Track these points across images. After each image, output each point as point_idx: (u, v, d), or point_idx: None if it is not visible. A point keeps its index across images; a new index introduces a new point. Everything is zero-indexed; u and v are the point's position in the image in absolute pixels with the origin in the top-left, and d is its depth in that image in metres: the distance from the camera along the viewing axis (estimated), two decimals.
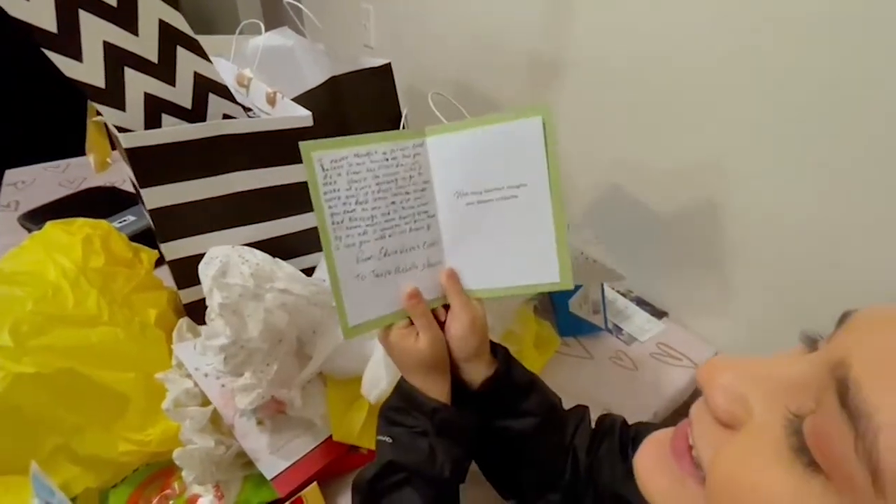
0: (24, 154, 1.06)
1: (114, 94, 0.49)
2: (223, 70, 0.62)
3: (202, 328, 0.48)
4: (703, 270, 0.71)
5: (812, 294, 0.59)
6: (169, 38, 0.50)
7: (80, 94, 0.48)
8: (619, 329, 0.74)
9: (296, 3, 0.76)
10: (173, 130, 0.49)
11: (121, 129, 0.49)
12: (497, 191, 0.40)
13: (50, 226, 0.55)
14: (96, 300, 0.48)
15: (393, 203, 0.40)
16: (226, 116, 0.58)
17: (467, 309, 0.40)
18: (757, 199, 0.61)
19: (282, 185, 0.58)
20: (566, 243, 0.39)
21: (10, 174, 1.02)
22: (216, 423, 0.48)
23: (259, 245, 0.54)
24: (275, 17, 1.37)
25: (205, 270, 0.48)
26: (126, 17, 0.46)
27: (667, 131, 0.68)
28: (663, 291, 0.78)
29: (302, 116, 0.56)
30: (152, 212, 0.51)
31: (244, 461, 0.48)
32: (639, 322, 0.75)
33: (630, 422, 0.43)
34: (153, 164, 0.49)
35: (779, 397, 0.18)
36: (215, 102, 0.56)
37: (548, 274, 0.40)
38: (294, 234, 0.62)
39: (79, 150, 0.91)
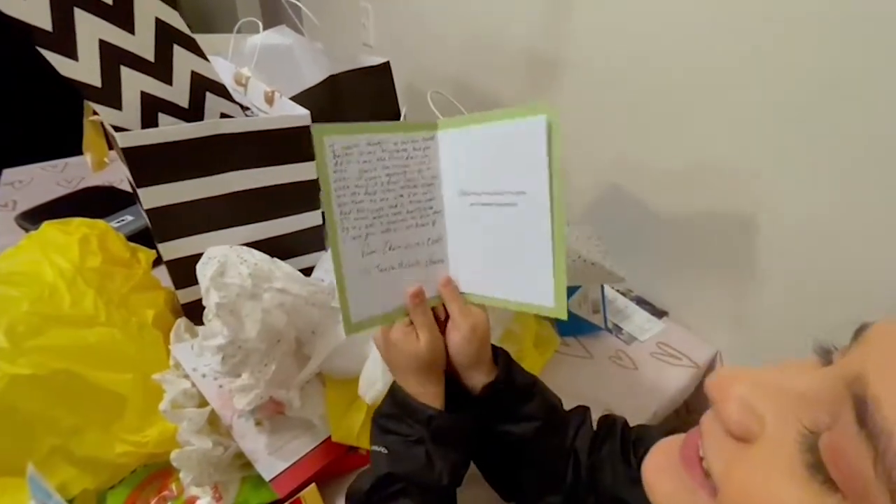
0: (21, 153, 1.05)
1: (110, 93, 0.48)
2: (221, 69, 0.62)
3: (200, 328, 0.48)
4: (704, 270, 0.70)
5: (812, 294, 0.59)
6: (165, 36, 0.49)
7: (77, 93, 0.47)
8: (618, 328, 0.74)
9: (294, 1, 0.75)
10: (170, 130, 0.48)
11: (117, 129, 0.49)
12: (498, 195, 0.38)
13: (46, 225, 0.54)
14: (93, 300, 0.48)
15: (401, 196, 0.39)
16: (223, 115, 0.58)
17: (467, 316, 0.39)
18: (757, 198, 0.61)
19: (280, 185, 0.58)
20: (564, 267, 0.36)
21: (8, 173, 1.01)
22: (214, 423, 0.48)
23: (257, 245, 0.54)
24: (273, 15, 1.36)
25: (203, 270, 0.47)
26: (122, 16, 0.46)
27: (667, 131, 0.68)
28: (663, 291, 0.78)
29: (300, 115, 0.56)
30: (149, 211, 0.51)
31: (242, 462, 0.48)
32: (639, 321, 0.75)
33: (631, 421, 0.43)
34: (150, 164, 0.49)
35: (792, 411, 0.17)
36: (213, 101, 0.56)
37: (541, 296, 0.37)
38: (292, 234, 0.62)
39: (77, 149, 0.91)
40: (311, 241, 0.64)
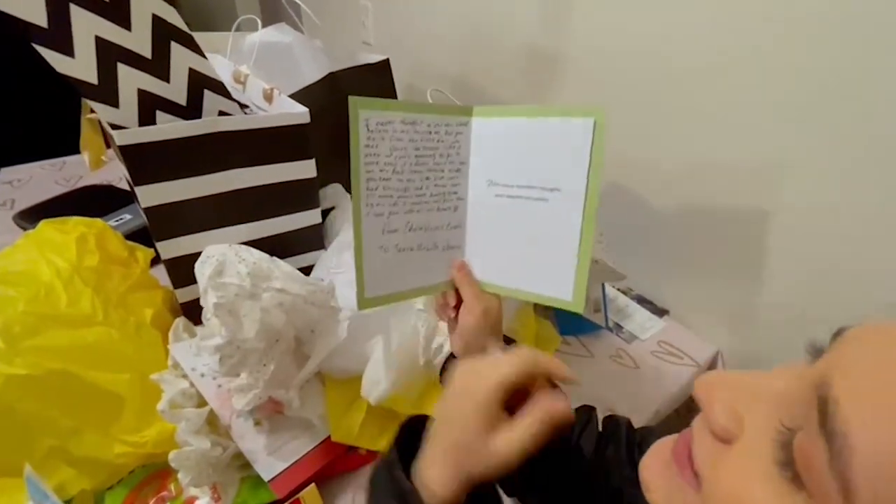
0: (20, 152, 1.05)
1: (107, 91, 0.48)
2: (220, 67, 0.62)
3: (198, 328, 0.48)
4: (704, 268, 0.70)
5: (813, 293, 0.59)
6: (162, 33, 0.49)
7: (75, 91, 0.47)
8: (619, 327, 0.73)
9: None
10: (168, 127, 0.48)
11: (114, 127, 0.48)
12: (529, 189, 0.38)
13: (44, 224, 0.54)
14: (90, 300, 0.48)
15: (427, 178, 0.39)
16: (221, 113, 0.57)
17: (480, 300, 0.40)
18: (759, 197, 0.60)
19: (279, 183, 0.57)
20: (588, 264, 0.36)
21: (6, 172, 1.01)
22: (213, 424, 0.47)
23: (256, 244, 0.54)
24: (273, 13, 1.36)
25: (201, 269, 0.47)
26: (119, 12, 0.45)
27: (668, 130, 0.67)
28: (664, 289, 0.78)
29: (299, 113, 0.55)
30: (147, 210, 0.51)
31: (241, 462, 0.47)
32: (640, 320, 0.75)
33: (633, 421, 0.42)
34: (148, 162, 0.48)
35: (772, 412, 0.18)
36: (211, 99, 0.56)
37: (560, 290, 0.38)
38: (292, 233, 0.61)
39: (75, 148, 0.90)
40: (311, 239, 0.63)
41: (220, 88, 0.56)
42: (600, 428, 0.43)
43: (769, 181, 0.59)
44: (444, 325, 0.48)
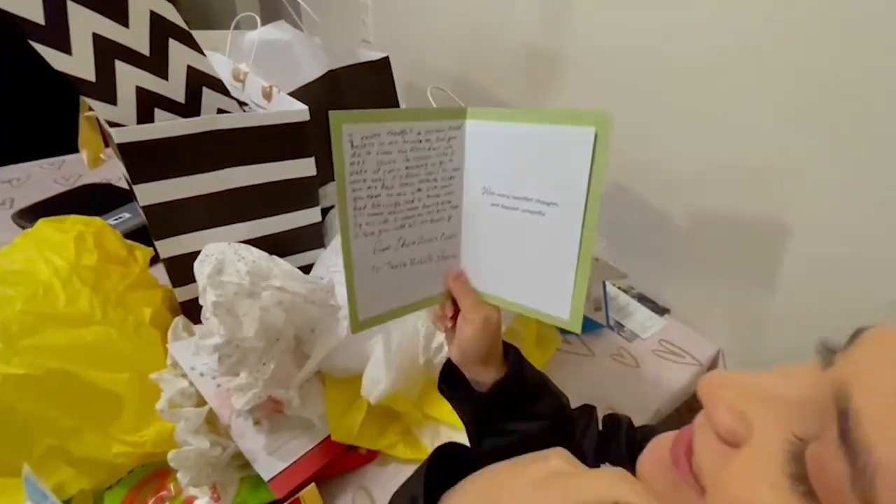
0: (19, 151, 1.05)
1: (105, 88, 0.47)
2: (219, 65, 0.61)
3: (197, 327, 0.48)
4: (705, 267, 0.70)
5: (814, 293, 0.59)
6: (161, 30, 0.48)
7: (74, 89, 0.47)
8: (620, 326, 0.73)
9: None
10: (166, 125, 0.48)
11: (112, 124, 0.48)
12: (525, 201, 0.35)
13: (42, 223, 0.54)
14: (89, 299, 0.48)
15: (419, 190, 0.36)
16: (220, 111, 0.57)
17: (478, 309, 0.38)
18: (759, 197, 0.60)
19: (279, 181, 0.57)
20: (586, 283, 0.34)
21: (5, 171, 1.01)
22: (212, 423, 0.47)
23: (255, 242, 0.53)
24: (272, 11, 1.35)
25: (200, 268, 0.47)
26: (116, 9, 0.45)
27: (669, 129, 0.67)
28: (665, 288, 0.78)
29: (298, 111, 0.55)
30: (146, 208, 0.50)
31: (241, 462, 0.47)
32: (641, 319, 0.75)
33: (633, 420, 0.42)
34: (146, 160, 0.48)
35: (782, 419, 0.17)
36: (209, 97, 0.55)
37: (557, 308, 0.36)
38: (291, 231, 0.61)
39: (74, 146, 0.90)
40: (310, 238, 0.63)
41: (218, 86, 0.56)
42: (600, 427, 0.42)
43: (770, 180, 0.58)
44: None
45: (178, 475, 0.43)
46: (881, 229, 0.51)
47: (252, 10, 0.76)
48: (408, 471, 0.32)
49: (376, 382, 0.48)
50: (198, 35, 0.52)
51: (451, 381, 0.42)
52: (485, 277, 0.40)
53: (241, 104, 0.61)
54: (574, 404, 0.44)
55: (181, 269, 0.53)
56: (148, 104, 0.51)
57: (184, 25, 0.50)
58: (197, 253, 0.49)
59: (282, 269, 0.46)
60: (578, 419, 0.42)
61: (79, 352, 0.45)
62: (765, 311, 0.64)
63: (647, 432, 0.40)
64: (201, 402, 0.48)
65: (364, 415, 0.49)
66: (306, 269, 0.61)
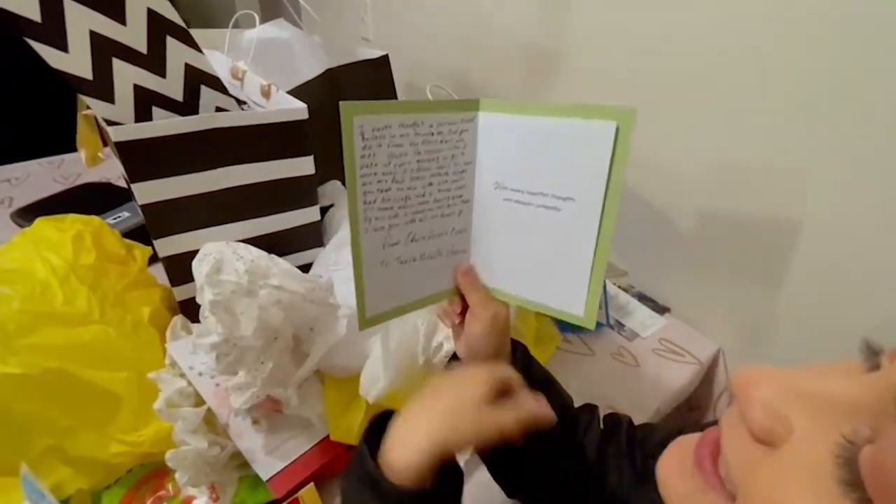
0: (18, 149, 1.04)
1: (102, 86, 0.47)
2: (218, 63, 0.61)
3: (195, 326, 0.47)
4: (706, 266, 0.70)
5: (814, 293, 0.58)
6: (158, 27, 0.48)
7: (71, 87, 0.46)
8: (620, 325, 0.73)
9: None
10: (164, 124, 0.47)
11: (110, 123, 0.48)
12: (540, 196, 0.34)
13: (40, 222, 0.54)
14: (87, 298, 0.47)
15: (430, 184, 0.35)
16: (219, 109, 0.57)
17: (487, 306, 0.38)
18: (760, 196, 0.60)
19: (277, 180, 0.57)
20: (602, 279, 0.34)
21: (4, 170, 1.00)
22: (210, 423, 0.47)
23: (254, 241, 0.53)
24: (271, 9, 1.35)
25: (198, 267, 0.46)
26: (113, 6, 0.45)
27: (669, 127, 0.67)
28: (665, 287, 0.77)
29: (297, 109, 0.55)
30: (144, 207, 0.50)
31: (239, 462, 0.47)
32: (641, 318, 0.74)
33: (633, 419, 0.42)
34: (144, 159, 0.48)
35: (827, 419, 0.16)
36: (208, 95, 0.55)
37: (571, 304, 0.35)
38: (290, 230, 0.61)
39: (73, 145, 0.90)
40: (309, 237, 0.63)
41: (216, 84, 0.55)
42: (601, 426, 0.42)
43: (771, 180, 0.58)
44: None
45: (177, 475, 0.43)
46: (882, 229, 0.51)
47: (251, 9, 0.76)
48: None
49: (375, 381, 0.47)
50: (197, 33, 0.52)
51: None
52: (495, 273, 0.39)
53: (240, 102, 0.61)
54: (575, 403, 0.44)
55: (180, 268, 0.53)
56: (146, 102, 0.51)
57: (181, 23, 0.50)
58: (195, 252, 0.49)
59: (280, 267, 0.46)
60: (581, 418, 0.42)
61: (77, 351, 0.45)
62: (765, 310, 0.64)
63: (648, 431, 0.40)
64: (200, 401, 0.47)
65: (363, 414, 0.49)
66: (305, 267, 0.61)
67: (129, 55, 0.48)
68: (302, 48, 0.77)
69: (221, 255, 0.46)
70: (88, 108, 0.52)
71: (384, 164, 0.33)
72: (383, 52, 0.79)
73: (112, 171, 0.96)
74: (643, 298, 0.78)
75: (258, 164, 0.55)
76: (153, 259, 0.58)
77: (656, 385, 0.64)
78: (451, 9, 0.96)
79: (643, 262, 0.76)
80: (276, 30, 0.76)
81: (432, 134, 0.34)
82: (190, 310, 0.55)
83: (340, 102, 0.31)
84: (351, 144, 0.31)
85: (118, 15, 0.45)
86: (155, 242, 0.53)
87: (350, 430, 0.49)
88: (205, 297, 0.42)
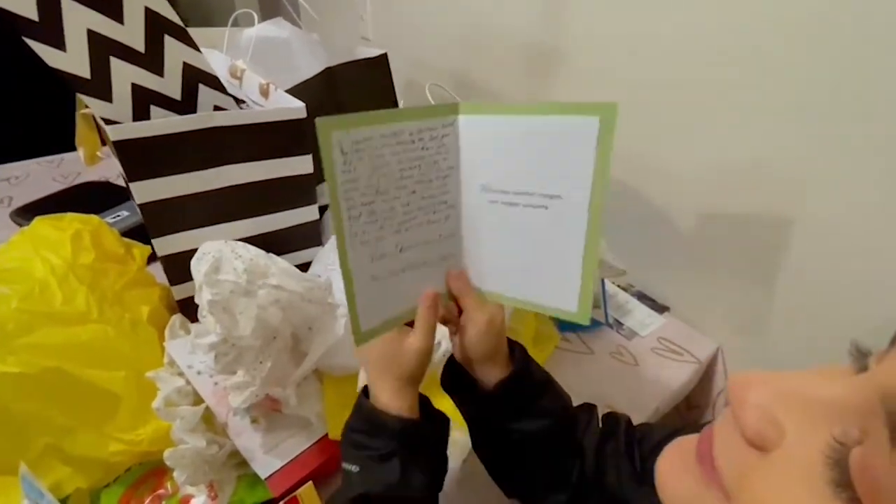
0: (17, 149, 1.04)
1: (100, 85, 0.47)
2: (216, 62, 0.61)
3: (193, 326, 0.47)
4: (705, 265, 0.70)
5: (814, 292, 0.58)
6: (155, 26, 0.48)
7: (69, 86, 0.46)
8: (619, 324, 0.73)
9: None
10: (162, 122, 0.47)
11: (108, 122, 0.48)
12: (526, 195, 0.34)
13: (38, 221, 0.54)
14: (85, 297, 0.47)
15: (414, 192, 0.35)
16: (217, 108, 0.57)
17: (482, 310, 0.38)
18: (759, 196, 0.60)
19: (276, 179, 0.57)
20: (593, 275, 0.34)
21: (3, 169, 1.00)
22: (209, 421, 0.47)
23: (253, 240, 0.53)
24: (270, 8, 1.35)
25: (197, 266, 0.46)
26: (110, 5, 0.45)
27: (669, 126, 0.67)
28: (664, 286, 0.77)
29: (296, 108, 0.55)
30: (142, 206, 0.50)
31: (238, 460, 0.47)
32: (640, 317, 0.74)
33: (632, 418, 0.42)
34: (142, 157, 0.48)
35: (818, 422, 0.16)
36: (206, 94, 0.55)
37: (564, 301, 0.35)
38: (289, 229, 0.61)
39: (73, 144, 0.90)
40: (308, 236, 0.63)
41: (215, 83, 0.55)
42: (600, 425, 0.42)
43: (771, 179, 0.58)
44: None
45: (175, 473, 0.43)
46: (882, 228, 0.51)
47: (250, 7, 0.76)
48: None
49: None
50: (195, 32, 0.52)
51: (454, 378, 0.42)
52: (487, 276, 0.39)
53: (239, 101, 0.61)
54: (574, 402, 0.44)
55: (178, 268, 0.53)
56: (144, 101, 0.51)
57: (179, 22, 0.49)
58: (194, 251, 0.49)
59: (279, 267, 0.46)
60: (580, 417, 0.42)
61: (75, 350, 0.45)
62: (765, 309, 0.64)
63: (647, 430, 0.40)
64: (198, 400, 0.47)
65: None
66: (304, 267, 0.61)
67: (127, 54, 0.48)
68: (301, 47, 0.76)
69: (220, 254, 0.46)
70: (87, 107, 0.52)
71: (366, 178, 0.32)
72: (382, 51, 0.79)
73: (111, 170, 0.96)
74: (642, 297, 0.78)
75: (257, 162, 0.55)
76: (152, 258, 0.58)
77: (655, 384, 0.64)
78: (451, 8, 0.96)
79: (642, 261, 0.76)
80: (274, 28, 0.76)
81: (413, 142, 0.34)
82: (189, 309, 0.55)
83: (316, 119, 0.30)
84: (330, 160, 0.31)
85: (116, 14, 0.45)
86: (153, 241, 0.53)
87: None
88: (203, 297, 0.42)
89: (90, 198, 0.90)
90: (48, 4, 0.42)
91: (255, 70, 0.62)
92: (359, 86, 0.75)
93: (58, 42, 0.43)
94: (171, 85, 0.52)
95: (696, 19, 0.59)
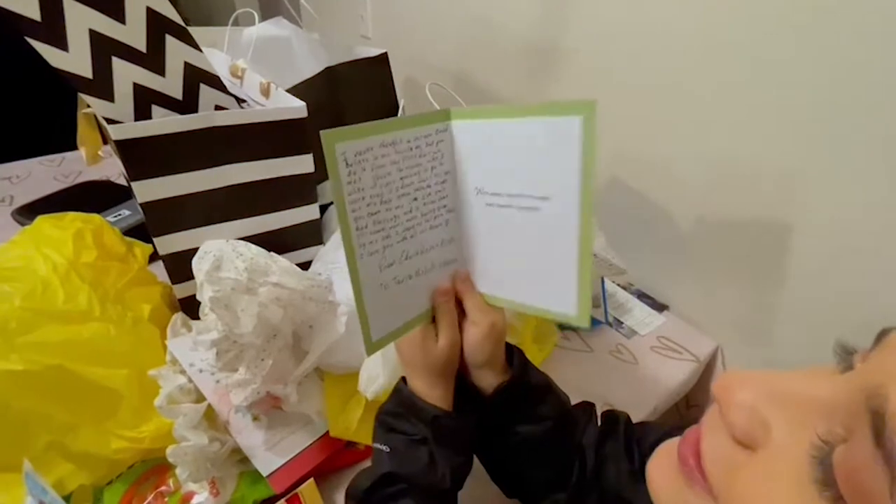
0: (18, 148, 1.05)
1: (102, 85, 0.47)
2: (217, 61, 0.61)
3: (194, 323, 0.48)
4: (705, 264, 0.70)
5: (813, 291, 0.58)
6: (157, 26, 0.48)
7: (71, 86, 0.46)
8: (619, 322, 0.73)
9: None
10: (164, 122, 0.48)
11: (110, 121, 0.48)
12: (518, 198, 0.35)
13: (40, 220, 0.54)
14: (88, 295, 0.48)
15: (415, 199, 0.36)
16: (218, 108, 0.57)
17: (486, 312, 0.38)
18: (759, 195, 0.60)
19: (277, 178, 0.57)
20: (589, 275, 0.34)
21: (5, 168, 1.01)
22: (211, 419, 0.47)
23: (254, 239, 0.53)
24: (270, 7, 1.35)
25: (198, 265, 0.47)
26: (112, 5, 0.45)
27: (668, 125, 0.67)
28: (664, 285, 0.77)
29: (296, 107, 0.55)
30: (144, 205, 0.50)
31: (239, 458, 0.47)
32: (639, 315, 0.75)
33: (631, 416, 0.42)
34: (144, 157, 0.48)
35: (803, 421, 0.16)
36: (207, 93, 0.55)
37: (563, 304, 0.35)
38: (289, 228, 0.61)
39: (73, 143, 0.90)
40: (309, 234, 0.63)
41: (216, 83, 0.56)
42: (599, 424, 0.42)
43: (770, 178, 0.58)
44: None
45: (177, 470, 0.43)
46: (881, 228, 0.51)
47: (250, 7, 0.76)
48: None
49: (373, 378, 0.48)
50: (196, 31, 0.52)
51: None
52: (487, 280, 0.39)
53: (239, 101, 0.61)
54: (573, 401, 0.45)
55: (180, 266, 0.53)
56: (145, 101, 0.51)
57: (180, 21, 0.50)
58: (195, 250, 0.49)
59: (280, 265, 0.46)
60: (579, 416, 0.42)
61: (78, 348, 0.45)
62: (764, 308, 0.64)
63: (646, 429, 0.40)
64: (200, 398, 0.48)
65: (362, 411, 0.49)
66: (305, 265, 0.61)
67: (129, 54, 0.48)
68: (301, 46, 0.77)
69: (221, 253, 0.46)
70: (88, 106, 0.52)
71: (370, 187, 0.33)
72: (382, 50, 0.79)
73: (112, 169, 0.96)
74: (642, 296, 0.78)
75: (258, 162, 0.55)
76: (153, 257, 0.58)
77: (654, 382, 0.65)
78: (451, 7, 0.96)
79: (642, 260, 0.76)
80: (275, 28, 0.76)
81: (411, 149, 0.35)
82: (190, 307, 0.55)
83: (321, 132, 0.31)
84: (336, 171, 0.31)
85: (118, 14, 0.46)
86: (155, 240, 0.53)
87: (349, 426, 0.49)
88: (205, 295, 0.42)
89: (91, 197, 0.90)
90: (50, 4, 0.42)
91: (256, 69, 0.63)
92: (359, 85, 0.75)
93: (60, 42, 0.43)
94: (172, 84, 0.52)
95: (696, 19, 0.59)
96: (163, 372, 0.48)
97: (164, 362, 0.50)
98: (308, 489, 0.45)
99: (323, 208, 0.65)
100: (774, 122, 0.56)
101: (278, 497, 0.44)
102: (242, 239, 0.52)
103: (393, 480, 0.36)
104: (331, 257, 0.60)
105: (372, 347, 0.36)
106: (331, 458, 0.49)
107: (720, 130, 0.61)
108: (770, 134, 0.57)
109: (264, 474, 0.45)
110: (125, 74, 0.49)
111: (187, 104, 0.54)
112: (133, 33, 0.47)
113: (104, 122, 0.48)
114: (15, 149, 1.04)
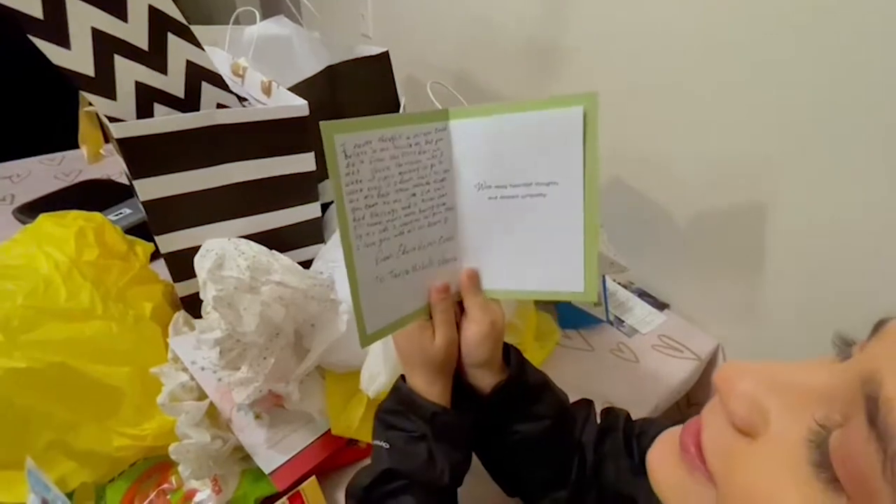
0: (18, 147, 1.05)
1: (104, 83, 0.47)
2: (218, 60, 0.61)
3: (197, 322, 0.48)
4: (706, 262, 0.70)
5: (813, 288, 0.59)
6: (159, 24, 0.48)
7: (73, 84, 0.47)
8: (620, 321, 0.73)
9: None
10: (166, 120, 0.48)
11: (112, 119, 0.48)
12: (524, 187, 0.36)
13: (42, 218, 0.54)
14: (90, 294, 0.48)
15: (414, 195, 0.36)
16: (220, 106, 0.57)
17: (486, 312, 0.38)
18: (759, 193, 0.60)
19: (278, 176, 0.57)
20: (596, 252, 0.35)
21: (5, 167, 1.01)
22: (213, 417, 0.47)
23: (256, 237, 0.53)
24: (271, 6, 1.35)
25: (200, 263, 0.47)
26: (114, 3, 0.45)
27: (668, 124, 0.67)
28: (665, 284, 0.78)
29: (298, 106, 0.55)
30: (146, 203, 0.50)
31: (242, 455, 0.47)
32: (640, 314, 0.75)
33: (632, 414, 0.42)
34: (146, 155, 0.48)
35: (802, 408, 0.17)
36: (209, 91, 0.55)
37: (571, 283, 0.36)
38: (291, 226, 0.61)
39: (74, 142, 0.90)
40: (310, 233, 0.63)
41: (218, 81, 0.56)
42: (598, 421, 0.42)
43: (770, 176, 0.58)
44: None
45: (180, 468, 0.44)
46: (881, 227, 0.51)
47: (251, 5, 0.76)
48: None
49: (375, 377, 0.48)
50: (197, 30, 0.52)
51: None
52: (490, 274, 0.40)
53: (241, 99, 0.61)
54: (573, 399, 0.45)
55: (182, 264, 0.54)
56: (147, 99, 0.51)
57: (182, 20, 0.50)
58: (197, 248, 0.49)
59: (282, 264, 0.47)
60: (578, 415, 0.42)
61: (80, 346, 0.45)
62: (765, 306, 0.64)
63: (645, 425, 0.40)
64: (202, 395, 0.48)
65: (364, 409, 0.49)
66: (306, 264, 0.61)
67: (131, 52, 0.48)
68: (302, 45, 0.77)
69: (223, 251, 0.46)
70: (90, 104, 0.52)
71: (368, 180, 0.34)
72: (383, 49, 0.79)
73: (114, 167, 0.96)
74: (643, 295, 0.78)
75: (259, 160, 0.55)
76: (155, 255, 0.58)
77: (655, 381, 0.65)
78: (452, 6, 0.96)
79: (643, 258, 0.77)
80: (276, 26, 0.76)
81: (410, 146, 0.36)
82: (192, 305, 0.55)
83: (321, 122, 0.31)
84: (334, 162, 0.32)
85: (120, 12, 0.46)
86: (157, 239, 0.53)
87: (351, 424, 0.49)
88: (207, 293, 0.42)
89: (93, 195, 0.90)
90: (53, 3, 0.42)
91: (257, 68, 0.63)
92: (360, 84, 0.75)
93: (62, 40, 0.43)
94: (174, 83, 0.52)
95: (696, 19, 0.59)
96: (165, 370, 0.49)
97: (165, 360, 0.50)
98: (310, 487, 0.45)
99: (324, 207, 0.65)
100: (774, 122, 0.56)
101: (280, 495, 0.44)
102: (244, 237, 0.52)
103: (392, 477, 0.36)
104: (332, 256, 0.61)
105: (366, 340, 0.36)
106: (332, 456, 0.49)
107: (720, 130, 0.61)
108: (770, 134, 0.57)
109: (266, 472, 0.45)
110: (127, 72, 0.49)
111: (189, 102, 0.54)
112: (135, 31, 0.47)
113: (106, 121, 0.48)
114: (16, 147, 1.04)
